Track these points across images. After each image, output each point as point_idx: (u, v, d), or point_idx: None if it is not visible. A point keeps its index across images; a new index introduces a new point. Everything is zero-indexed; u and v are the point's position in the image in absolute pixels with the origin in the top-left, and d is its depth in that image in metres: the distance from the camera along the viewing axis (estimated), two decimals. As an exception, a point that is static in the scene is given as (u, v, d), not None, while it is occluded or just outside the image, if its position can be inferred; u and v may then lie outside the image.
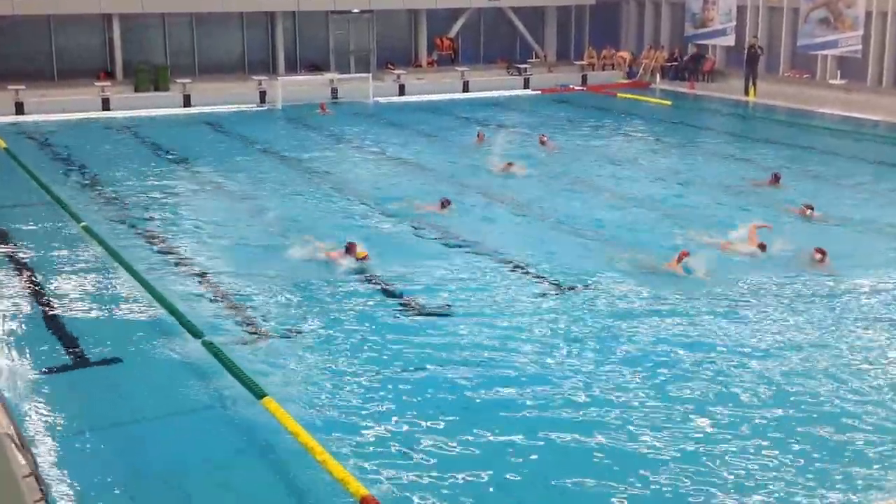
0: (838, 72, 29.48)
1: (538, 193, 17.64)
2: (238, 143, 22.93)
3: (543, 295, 12.13)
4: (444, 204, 16.03)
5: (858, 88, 28.36)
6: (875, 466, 7.99)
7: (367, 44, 32.75)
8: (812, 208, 15.79)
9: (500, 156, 20.09)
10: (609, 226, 15.55)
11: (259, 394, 8.92)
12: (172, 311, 11.19)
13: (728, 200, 17.27)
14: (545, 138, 22.47)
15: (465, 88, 31.33)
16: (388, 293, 12.19)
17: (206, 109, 27.41)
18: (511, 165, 19.38)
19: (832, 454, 8.19)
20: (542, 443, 8.38)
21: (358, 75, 30.46)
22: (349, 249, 13.14)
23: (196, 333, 10.52)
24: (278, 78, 28.91)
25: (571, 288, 12.39)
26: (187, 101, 27.97)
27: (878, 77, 28.39)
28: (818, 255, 13.07)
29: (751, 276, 12.73)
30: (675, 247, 13.72)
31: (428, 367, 9.97)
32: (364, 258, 13.04)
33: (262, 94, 28.59)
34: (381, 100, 29.37)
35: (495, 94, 30.92)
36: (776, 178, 18.17)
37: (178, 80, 28.37)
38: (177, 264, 13.44)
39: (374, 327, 11.02)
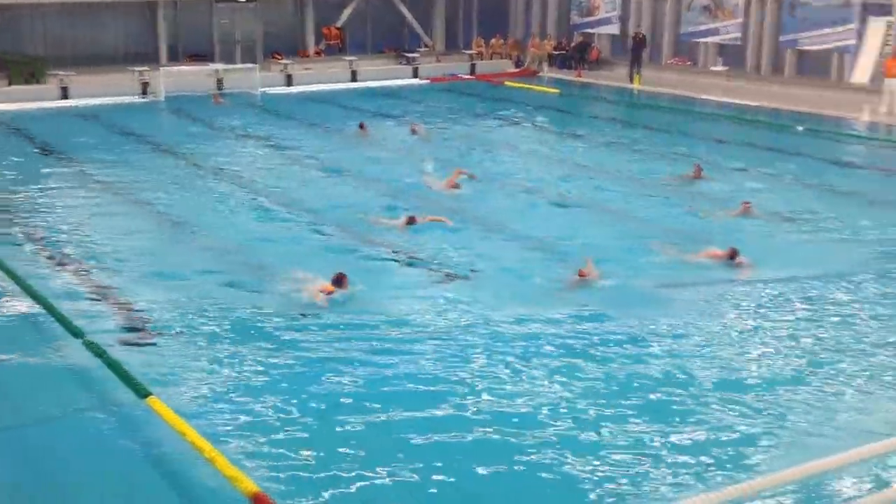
0: (719, 59, 30.30)
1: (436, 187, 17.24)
2: (120, 137, 22.21)
3: (443, 288, 11.98)
4: (410, 221, 14.40)
5: (738, 75, 29.20)
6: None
7: (252, 33, 32.14)
8: (749, 203, 15.43)
9: (439, 174, 17.80)
10: (521, 223, 15.09)
11: (143, 393, 8.63)
12: (51, 309, 10.73)
13: (657, 196, 16.83)
14: (416, 127, 22.41)
15: (354, 78, 31.06)
16: (278, 285, 11.94)
17: (86, 102, 26.42)
18: (457, 185, 16.96)
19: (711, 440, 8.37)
20: (433, 438, 8.28)
21: (244, 65, 29.86)
22: (340, 282, 11.37)
23: (77, 333, 10.11)
24: (160, 69, 28.12)
25: (466, 279, 12.37)
26: (65, 94, 26.93)
27: (757, 64, 29.27)
28: (731, 256, 12.68)
29: (664, 279, 12.33)
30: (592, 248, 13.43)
31: (321, 364, 9.76)
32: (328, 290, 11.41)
33: (145, 86, 27.76)
34: (269, 90, 28.88)
35: (384, 83, 30.74)
36: (699, 171, 17.84)
37: (56, 73, 27.30)
38: (56, 262, 12.95)
39: (264, 324, 10.75)
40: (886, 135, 22.96)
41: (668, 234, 14.23)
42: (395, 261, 13.10)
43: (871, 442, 7.98)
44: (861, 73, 26.70)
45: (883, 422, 8.55)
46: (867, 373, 9.56)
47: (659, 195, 16.95)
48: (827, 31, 27.27)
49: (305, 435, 8.30)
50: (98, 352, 9.59)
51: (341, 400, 8.96)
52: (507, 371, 9.56)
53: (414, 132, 22.19)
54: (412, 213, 14.46)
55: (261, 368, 9.60)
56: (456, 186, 16.72)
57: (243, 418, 8.56)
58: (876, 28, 26.42)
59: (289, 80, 30.11)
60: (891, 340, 10.35)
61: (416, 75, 32.04)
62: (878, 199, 16.70)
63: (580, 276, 11.92)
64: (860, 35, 26.69)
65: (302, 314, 11.04)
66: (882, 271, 12.71)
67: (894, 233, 14.54)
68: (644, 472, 7.71)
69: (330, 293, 11.23)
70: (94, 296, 11.63)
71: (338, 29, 33.68)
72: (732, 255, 12.70)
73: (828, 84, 27.17)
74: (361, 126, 22.59)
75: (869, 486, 7.46)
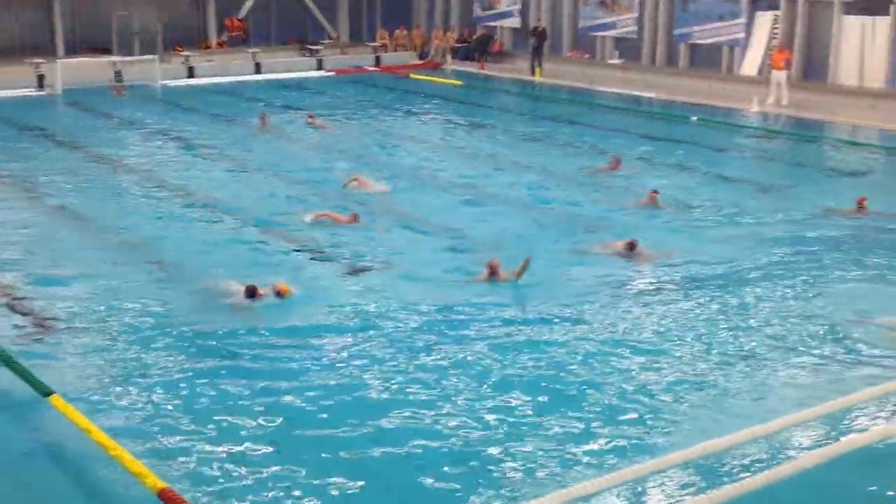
0: (616, 52, 31.04)
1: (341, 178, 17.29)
2: (16, 131, 21.70)
3: (352, 283, 12.04)
4: (355, 217, 14.34)
5: (635, 68, 29.96)
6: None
7: (152, 25, 31.67)
8: (657, 193, 15.65)
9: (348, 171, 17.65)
10: (437, 216, 15.10)
11: (45, 391, 8.61)
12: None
13: (569, 188, 17.05)
14: (312, 119, 22.50)
15: (258, 70, 30.86)
16: (184, 280, 11.96)
17: (-22, 95, 25.77)
18: (356, 181, 16.68)
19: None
20: (338, 431, 8.36)
21: (144, 57, 29.41)
22: (253, 295, 11.07)
23: (-26, 332, 10.01)
24: (57, 61, 27.54)
25: (366, 270, 12.53)
26: (-44, 88, 26.23)
27: (652, 56, 30.09)
28: (630, 247, 12.92)
29: (570, 270, 12.54)
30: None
31: (229, 361, 9.73)
32: (285, 292, 11.15)
33: (41, 79, 27.13)
34: (170, 83, 28.53)
35: (289, 75, 30.66)
36: (617, 163, 18.08)
37: (-54, 65, 26.58)
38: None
39: (170, 322, 10.71)
40: (773, 124, 23.93)
41: (582, 226, 14.55)
42: (304, 256, 13.11)
43: (765, 422, 8.34)
44: (750, 65, 27.74)
45: (777, 402, 8.94)
46: (762, 356, 9.94)
47: (572, 187, 17.21)
48: (718, 25, 28.23)
49: (212, 432, 8.32)
50: (-4, 351, 9.53)
51: (247, 397, 8.96)
52: (414, 364, 9.68)
53: (311, 123, 22.29)
54: (356, 212, 14.43)
55: (167, 366, 9.58)
56: (365, 186, 16.58)
57: (148, 416, 8.57)
58: (763, 22, 27.47)
59: (191, 73, 29.75)
60: (783, 325, 10.75)
61: (320, 67, 32.00)
62: (768, 185, 17.43)
63: (490, 269, 11.89)
64: (749, 29, 27.71)
65: (210, 305, 11.08)
66: (775, 255, 13.19)
67: (785, 218, 15.11)
68: (547, 459, 7.92)
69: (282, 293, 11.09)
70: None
71: (240, 20, 33.43)
72: (631, 246, 13.03)
73: (719, 76, 28.13)
74: (262, 118, 22.55)
75: (762, 463, 7.81)
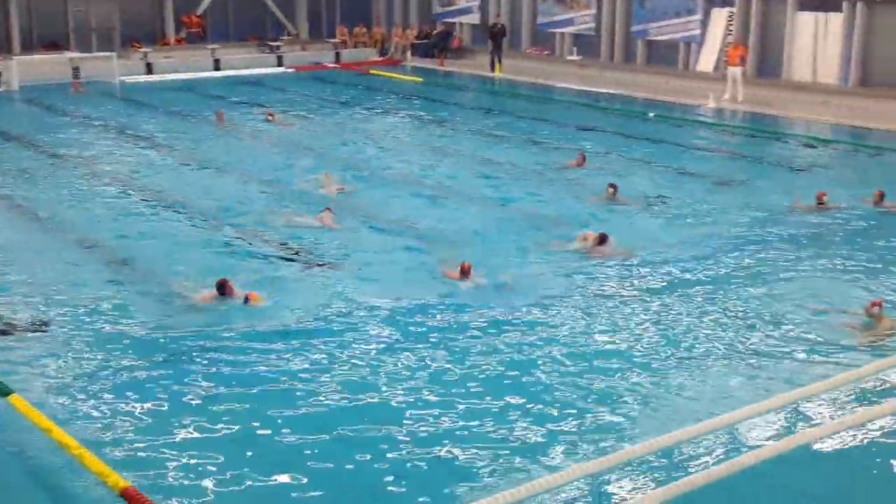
0: (574, 48, 31.27)
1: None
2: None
3: (314, 279, 12.08)
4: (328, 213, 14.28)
5: (593, 64, 30.20)
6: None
7: (109, 21, 31.40)
8: (616, 188, 15.80)
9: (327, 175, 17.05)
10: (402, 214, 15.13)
11: (4, 391, 8.59)
12: None
13: (539, 186, 17.10)
14: (272, 116, 22.47)
15: (217, 67, 30.74)
16: (144, 280, 11.93)
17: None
18: (341, 186, 16.51)
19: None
20: (301, 432, 8.39)
21: (101, 54, 29.18)
22: (223, 289, 11.01)
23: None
24: (13, 58, 27.24)
25: (329, 269, 12.57)
26: (-90, 85, 25.90)
27: (610, 53, 30.35)
28: (599, 240, 13.01)
29: (536, 266, 12.64)
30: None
31: (189, 359, 9.74)
32: (255, 300, 11.00)
33: (-3, 76, 26.93)
34: (128, 79, 28.32)
35: (248, 72, 30.56)
36: (582, 159, 18.21)
37: None
38: None
39: (130, 321, 10.67)
40: (730, 120, 24.25)
41: (543, 223, 14.63)
42: (267, 256, 13.09)
43: (724, 414, 8.43)
44: (706, 61, 28.08)
45: (736, 395, 9.05)
46: (722, 349, 10.07)
47: (535, 183, 17.30)
48: (674, 21, 28.55)
49: (175, 432, 8.31)
50: (-45, 352, 9.48)
51: (210, 398, 8.94)
52: (377, 364, 9.69)
53: (271, 121, 22.25)
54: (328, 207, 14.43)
55: (128, 367, 9.54)
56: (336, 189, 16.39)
57: (110, 415, 8.55)
58: (718, 18, 27.82)
59: (149, 69, 29.61)
60: (743, 318, 10.89)
61: (280, 63, 31.94)
62: (727, 180, 17.63)
63: (462, 270, 11.84)
64: (704, 25, 28.05)
65: (171, 304, 11.08)
66: (735, 250, 13.34)
67: (743, 213, 15.28)
68: (509, 455, 7.99)
69: (250, 300, 10.95)
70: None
71: (198, 17, 33.22)
72: (603, 239, 13.10)
73: (676, 73, 28.45)
74: (218, 115, 22.46)
75: (721, 455, 7.96)
